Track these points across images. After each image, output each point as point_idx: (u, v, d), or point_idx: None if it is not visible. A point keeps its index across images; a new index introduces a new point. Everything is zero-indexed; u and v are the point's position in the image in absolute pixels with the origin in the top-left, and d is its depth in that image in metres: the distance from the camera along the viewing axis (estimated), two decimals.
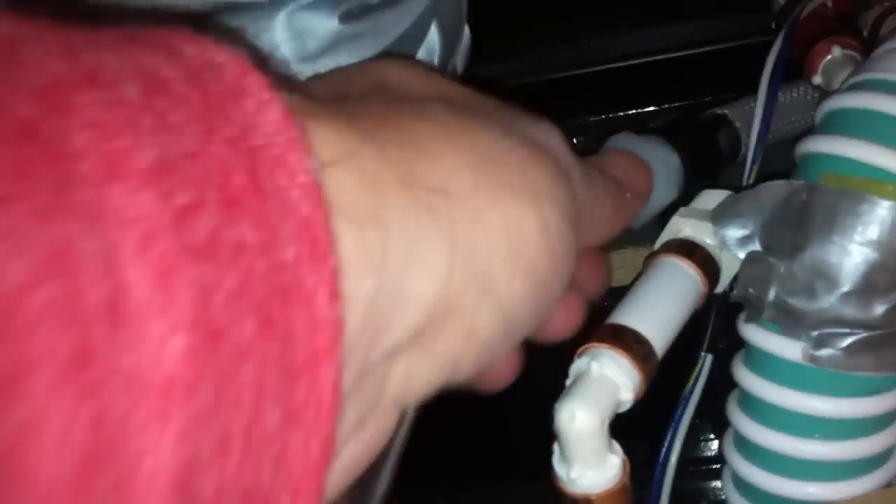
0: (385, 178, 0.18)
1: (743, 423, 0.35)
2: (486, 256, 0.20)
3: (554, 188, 0.22)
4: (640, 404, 0.33)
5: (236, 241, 0.13)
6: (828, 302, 0.31)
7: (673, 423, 0.38)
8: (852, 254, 0.31)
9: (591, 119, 0.61)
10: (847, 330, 0.32)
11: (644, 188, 0.32)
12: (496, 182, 0.20)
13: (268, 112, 0.14)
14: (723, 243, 0.35)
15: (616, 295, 0.35)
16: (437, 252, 0.18)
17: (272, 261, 0.13)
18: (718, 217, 0.35)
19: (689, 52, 0.59)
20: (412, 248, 0.18)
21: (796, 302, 0.32)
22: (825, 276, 0.31)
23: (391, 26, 0.43)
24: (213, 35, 0.15)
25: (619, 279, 0.53)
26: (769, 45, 0.53)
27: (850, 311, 0.31)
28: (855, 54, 0.44)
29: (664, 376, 0.36)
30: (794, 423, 0.34)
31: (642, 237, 0.40)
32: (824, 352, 0.32)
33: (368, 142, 0.18)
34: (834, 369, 0.32)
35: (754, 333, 0.34)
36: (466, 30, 0.53)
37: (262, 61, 0.15)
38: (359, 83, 0.23)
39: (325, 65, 0.42)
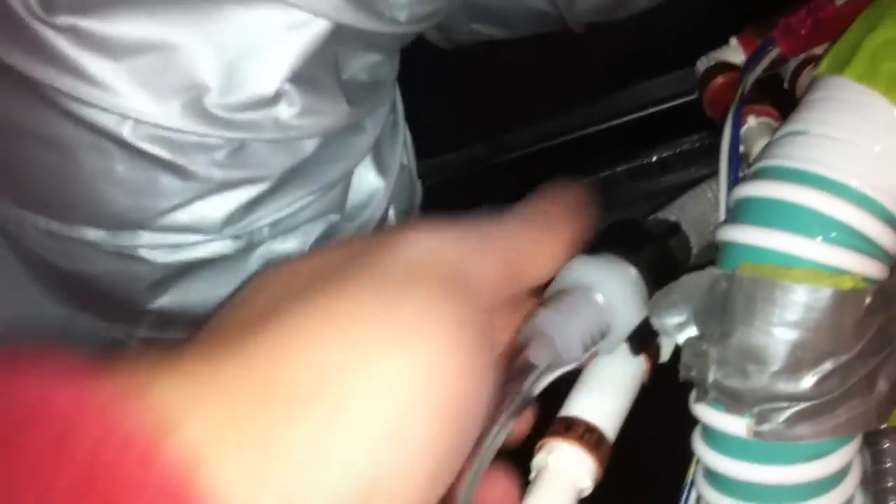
0: (242, 406, 0.18)
1: (709, 494, 0.38)
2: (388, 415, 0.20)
3: (433, 318, 0.22)
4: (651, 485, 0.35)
5: None
6: (760, 381, 0.34)
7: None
8: (775, 336, 0.33)
9: None
10: (784, 404, 0.34)
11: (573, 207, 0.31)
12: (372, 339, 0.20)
13: (83, 418, 0.16)
14: (662, 331, 0.37)
15: None
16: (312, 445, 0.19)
17: None
18: (654, 307, 0.37)
19: (630, 117, 0.62)
20: (289, 449, 0.18)
21: (733, 383, 0.35)
22: (754, 358, 0.34)
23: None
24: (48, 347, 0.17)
25: None
26: (697, 103, 0.56)
27: (783, 387, 0.34)
28: (770, 121, 0.47)
29: (667, 458, 0.39)
30: (751, 492, 0.36)
31: None
32: (766, 426, 0.34)
33: (219, 375, 0.19)
34: (777, 441, 0.34)
35: (703, 412, 0.37)
36: (418, 185, 0.56)
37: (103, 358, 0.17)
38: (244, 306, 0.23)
39: None
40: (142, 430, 0.16)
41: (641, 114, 0.62)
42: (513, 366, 0.27)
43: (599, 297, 0.34)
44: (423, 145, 0.58)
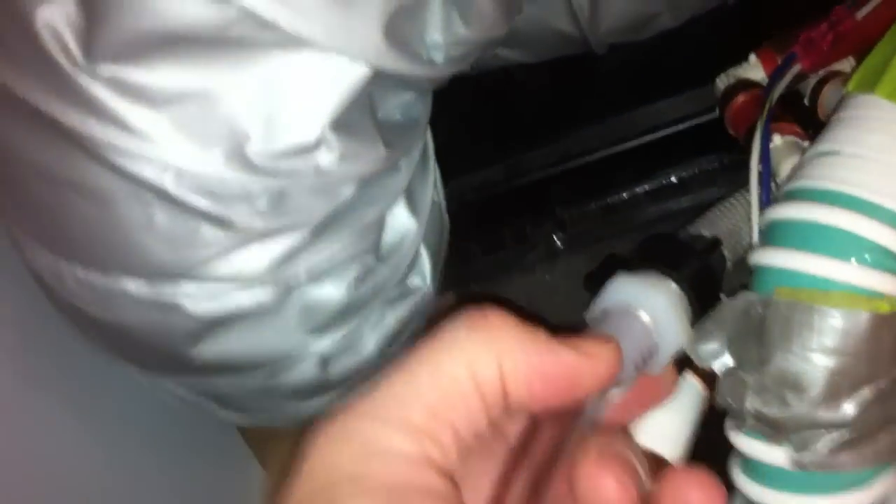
0: None
1: None
2: None
3: None
4: None
5: None
6: (800, 409, 0.33)
7: None
8: (813, 362, 0.33)
9: (566, 214, 0.64)
10: (824, 432, 0.33)
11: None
12: None
13: None
14: (697, 359, 0.37)
15: None
16: None
17: None
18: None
19: (648, 138, 0.62)
20: None
21: (771, 411, 0.34)
22: (792, 385, 0.33)
23: (389, 279, 0.45)
24: None
25: None
26: (715, 122, 0.55)
27: (823, 415, 0.33)
28: (795, 139, 0.46)
29: None
30: None
31: None
32: (807, 455, 0.33)
33: None
34: (818, 470, 0.34)
35: (741, 441, 0.36)
36: (447, 221, 0.55)
37: None
38: None
39: (335, 334, 0.44)
40: None
41: (658, 134, 0.61)
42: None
43: (644, 316, 0.33)
44: (438, 169, 0.58)
